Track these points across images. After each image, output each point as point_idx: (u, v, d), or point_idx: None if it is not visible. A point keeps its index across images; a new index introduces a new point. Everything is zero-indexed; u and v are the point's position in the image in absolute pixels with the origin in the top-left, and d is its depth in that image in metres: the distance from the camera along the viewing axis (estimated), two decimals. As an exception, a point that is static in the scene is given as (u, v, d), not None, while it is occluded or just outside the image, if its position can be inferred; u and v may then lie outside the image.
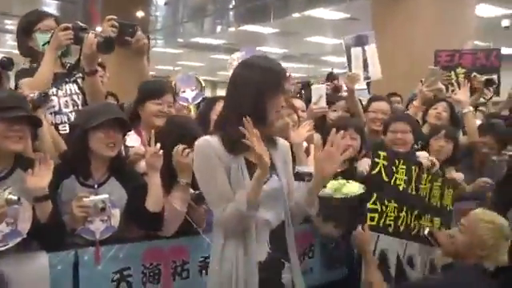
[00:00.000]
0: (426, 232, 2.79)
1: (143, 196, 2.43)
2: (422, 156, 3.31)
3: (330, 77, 4.55)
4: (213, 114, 3.03)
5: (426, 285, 2.56)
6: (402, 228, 2.94)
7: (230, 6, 13.65)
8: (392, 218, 2.89)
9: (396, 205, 2.90)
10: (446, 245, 2.62)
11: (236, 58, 3.52)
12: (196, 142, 2.08)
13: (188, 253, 2.57)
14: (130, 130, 2.60)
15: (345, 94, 4.53)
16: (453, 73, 4.76)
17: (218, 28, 16.01)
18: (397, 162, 2.93)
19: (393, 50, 7.25)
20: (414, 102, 4.33)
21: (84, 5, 12.77)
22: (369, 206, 2.84)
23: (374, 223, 2.84)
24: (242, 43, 13.16)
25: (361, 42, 4.43)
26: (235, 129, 1.93)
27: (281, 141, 2.22)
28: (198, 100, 3.83)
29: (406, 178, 2.95)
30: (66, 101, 2.90)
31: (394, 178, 2.93)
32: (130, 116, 2.80)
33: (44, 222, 2.17)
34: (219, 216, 2.01)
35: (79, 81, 2.98)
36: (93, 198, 2.31)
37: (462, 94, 4.29)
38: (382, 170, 2.89)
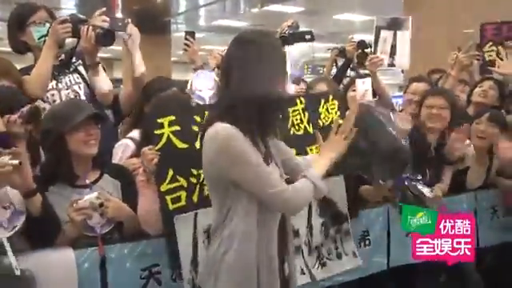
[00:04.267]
0: None
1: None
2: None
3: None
4: None
5: None
6: None
7: (252, -14, 13.04)
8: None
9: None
10: None
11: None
12: (217, 130, 1.69)
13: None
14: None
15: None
16: (500, 47, 3.94)
17: (241, 9, 15.40)
18: None
19: (430, 23, 6.42)
20: (452, 72, 3.60)
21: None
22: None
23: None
24: (266, 24, 12.63)
25: (394, 25, 3.69)
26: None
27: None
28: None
29: None
30: (68, 93, 2.64)
31: None
32: (135, 113, 2.63)
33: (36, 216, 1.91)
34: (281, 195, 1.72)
35: (80, 68, 2.71)
36: (87, 197, 2.02)
37: (506, 67, 3.68)
38: None
